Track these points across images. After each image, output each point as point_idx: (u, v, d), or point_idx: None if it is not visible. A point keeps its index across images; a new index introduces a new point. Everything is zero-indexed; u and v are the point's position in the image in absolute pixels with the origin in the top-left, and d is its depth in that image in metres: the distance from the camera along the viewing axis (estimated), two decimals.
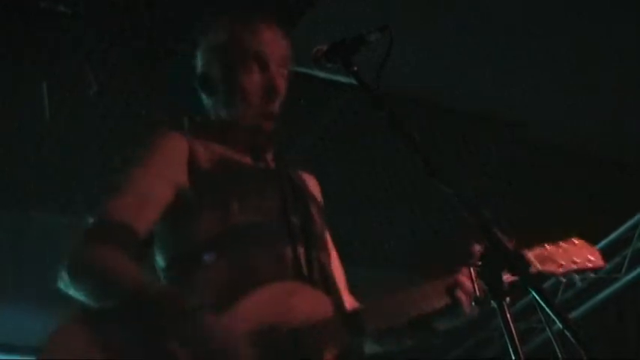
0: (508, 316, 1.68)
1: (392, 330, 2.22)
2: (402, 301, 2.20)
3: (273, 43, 2.39)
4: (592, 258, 2.47)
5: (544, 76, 5.24)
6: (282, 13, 4.27)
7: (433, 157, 1.87)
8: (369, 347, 2.31)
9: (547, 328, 1.70)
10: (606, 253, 6.44)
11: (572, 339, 1.59)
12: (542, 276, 2.42)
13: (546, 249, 2.43)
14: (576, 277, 2.47)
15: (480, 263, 1.75)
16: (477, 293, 1.79)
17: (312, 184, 2.49)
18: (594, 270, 2.47)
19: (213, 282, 2.09)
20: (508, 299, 1.70)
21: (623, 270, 6.37)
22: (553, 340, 1.72)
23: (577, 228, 2.58)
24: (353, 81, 2.07)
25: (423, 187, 5.86)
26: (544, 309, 1.63)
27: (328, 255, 2.32)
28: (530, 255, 2.40)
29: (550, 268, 2.40)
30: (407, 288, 2.22)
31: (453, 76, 5.13)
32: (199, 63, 2.44)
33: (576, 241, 2.49)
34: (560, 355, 1.76)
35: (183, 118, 2.44)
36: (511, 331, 1.66)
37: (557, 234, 2.54)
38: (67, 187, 5.28)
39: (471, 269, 1.77)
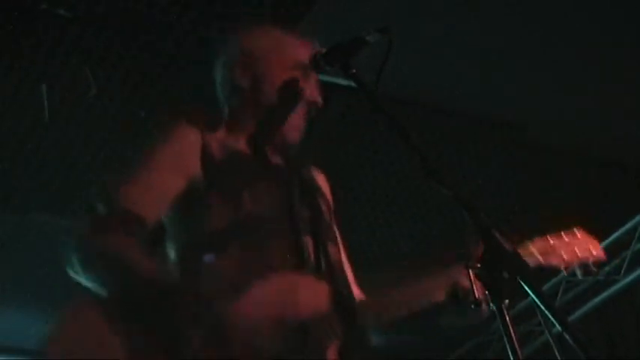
0: (507, 318, 1.68)
1: (397, 322, 2.23)
2: (405, 294, 2.20)
3: (303, 60, 2.38)
4: (593, 250, 2.50)
5: (544, 77, 5.24)
6: (282, 14, 4.28)
7: (432, 159, 1.87)
8: (376, 338, 2.32)
9: (546, 331, 1.69)
10: (605, 255, 6.44)
11: (571, 341, 1.59)
12: (544, 271, 2.43)
13: (548, 241, 2.46)
14: (577, 269, 2.49)
15: (478, 265, 1.75)
16: (476, 295, 1.79)
17: (322, 181, 2.51)
18: (595, 262, 2.49)
19: (224, 271, 2.10)
20: (507, 301, 1.70)
21: (622, 272, 6.37)
22: (552, 342, 1.72)
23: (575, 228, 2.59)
24: (352, 83, 2.08)
25: (421, 189, 5.86)
26: (543, 311, 1.63)
27: (337, 248, 2.33)
28: (533, 248, 2.43)
29: (552, 261, 2.43)
30: (411, 281, 2.22)
31: (452, 78, 5.13)
32: (225, 68, 2.45)
33: (578, 233, 2.51)
34: (559, 358, 1.76)
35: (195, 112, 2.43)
36: (510, 334, 1.66)
37: (555, 233, 2.54)
38: (67, 189, 5.27)
39: (470, 271, 1.77)
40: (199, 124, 2.31)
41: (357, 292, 2.37)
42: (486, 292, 1.72)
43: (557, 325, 1.62)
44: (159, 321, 1.93)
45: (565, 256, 2.44)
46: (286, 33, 2.44)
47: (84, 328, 1.93)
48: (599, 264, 2.51)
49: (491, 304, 1.71)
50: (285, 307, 1.99)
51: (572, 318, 6.51)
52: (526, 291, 1.65)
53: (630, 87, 5.35)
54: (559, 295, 6.65)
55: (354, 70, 2.07)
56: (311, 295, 2.05)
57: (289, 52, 2.38)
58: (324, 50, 2.18)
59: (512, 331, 1.66)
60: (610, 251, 6.28)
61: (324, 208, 2.36)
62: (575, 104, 5.45)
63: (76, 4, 4.19)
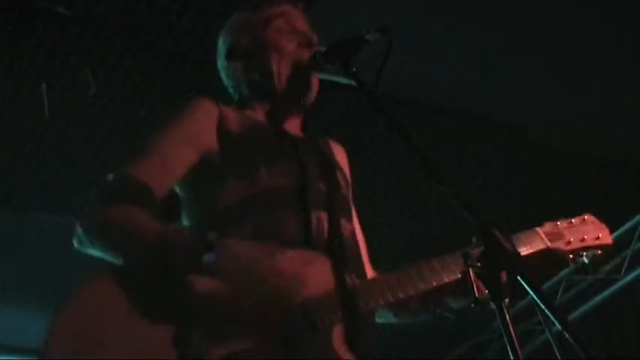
0: (507, 317, 1.67)
1: (405, 303, 2.22)
2: (412, 274, 2.18)
3: (307, 26, 2.43)
4: (600, 235, 2.50)
5: (544, 77, 5.24)
6: None
7: (432, 159, 1.87)
8: (386, 318, 2.33)
9: (546, 330, 1.69)
10: (605, 254, 6.45)
11: (571, 340, 1.59)
12: (551, 256, 2.43)
13: (557, 225, 2.48)
14: (584, 256, 2.49)
15: (478, 264, 1.75)
16: (476, 294, 1.79)
17: (340, 154, 2.51)
18: (601, 247, 2.50)
19: (239, 244, 2.06)
20: (507, 300, 1.70)
21: (623, 271, 6.37)
22: (552, 341, 1.72)
23: None
24: (352, 82, 2.07)
25: (421, 189, 5.86)
26: (543, 310, 1.63)
27: (351, 224, 2.33)
28: (541, 232, 2.44)
29: (558, 245, 2.44)
30: (418, 263, 2.22)
31: (452, 78, 5.13)
32: (228, 39, 2.46)
33: (587, 217, 2.53)
34: (559, 357, 1.76)
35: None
36: (510, 333, 1.66)
37: None
38: (67, 188, 5.27)
39: (470, 270, 1.77)
40: (216, 98, 2.31)
41: (369, 270, 2.37)
42: (486, 290, 1.72)
43: (557, 324, 1.62)
44: (167, 282, 1.93)
45: (572, 241, 2.46)
46: (281, 4, 2.46)
47: (96, 301, 1.93)
48: (606, 250, 2.53)
49: (491, 303, 1.71)
50: (292, 283, 1.98)
51: (572, 317, 6.50)
52: (526, 290, 1.65)
53: (630, 87, 5.35)
54: (559, 294, 6.65)
55: (355, 69, 2.06)
56: (321, 273, 2.05)
57: (288, 18, 2.41)
58: (324, 49, 2.18)
59: (512, 329, 1.66)
60: (610, 250, 6.30)
61: (342, 182, 2.35)
62: (574, 104, 5.46)
63: (76, 3, 4.20)
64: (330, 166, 2.35)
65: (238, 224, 2.11)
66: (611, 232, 2.57)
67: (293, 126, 2.39)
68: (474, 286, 1.80)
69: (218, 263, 1.90)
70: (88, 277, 1.97)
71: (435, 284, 2.17)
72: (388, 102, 1.99)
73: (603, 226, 2.54)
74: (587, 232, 2.49)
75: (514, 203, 6.15)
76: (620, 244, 6.30)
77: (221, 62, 2.48)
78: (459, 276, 2.16)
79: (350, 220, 2.32)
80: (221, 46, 2.49)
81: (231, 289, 1.93)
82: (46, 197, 5.33)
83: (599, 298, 6.56)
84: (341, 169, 2.42)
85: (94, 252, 2.06)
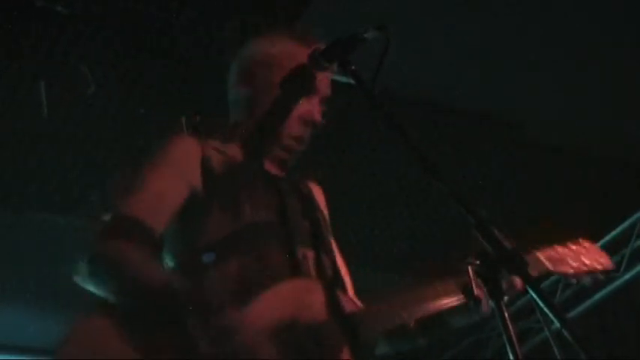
0: (506, 315, 1.67)
1: (402, 329, 2.22)
2: (410, 299, 2.19)
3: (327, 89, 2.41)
4: (601, 260, 2.51)
5: (543, 75, 5.24)
6: (280, 12, 4.27)
7: (431, 157, 1.87)
8: (380, 348, 2.31)
9: (545, 328, 1.69)
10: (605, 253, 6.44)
11: (570, 339, 1.59)
12: (546, 276, 2.43)
13: (556, 250, 2.46)
14: (587, 278, 2.48)
15: (477, 262, 1.75)
16: (475, 292, 1.78)
17: (318, 194, 2.51)
18: (604, 272, 2.50)
19: (224, 281, 2.09)
20: (506, 298, 1.70)
21: (622, 269, 6.37)
22: (551, 339, 1.72)
23: (575, 227, 2.59)
24: (351, 80, 2.07)
25: (421, 187, 5.86)
26: (542, 309, 1.63)
27: (336, 261, 2.33)
28: (541, 256, 2.42)
29: (562, 269, 2.43)
30: (413, 287, 2.22)
31: (451, 76, 5.13)
32: (231, 76, 2.45)
33: (584, 244, 2.52)
34: (558, 355, 1.76)
35: (191, 120, 2.44)
36: (509, 331, 1.66)
37: (556, 233, 2.54)
38: (65, 187, 5.27)
39: (469, 268, 1.77)
40: (198, 134, 2.32)
41: (358, 304, 2.37)
42: (485, 289, 1.72)
43: (556, 322, 1.62)
44: (166, 327, 1.92)
45: (574, 265, 2.45)
46: (298, 40, 2.40)
47: (92, 338, 1.93)
48: (608, 273, 2.53)
49: (490, 301, 1.71)
50: (297, 311, 1.99)
51: (571, 315, 6.51)
52: (525, 288, 1.65)
53: (629, 86, 5.35)
54: (558, 292, 6.65)
55: (353, 67, 2.06)
56: (324, 299, 2.06)
57: (299, 60, 2.34)
58: (322, 47, 2.18)
59: (510, 328, 1.66)
60: (609, 248, 6.30)
61: (322, 222, 2.36)
62: (574, 103, 5.46)
63: (74, 2, 4.19)
64: (310, 204, 2.36)
65: (223, 260, 2.12)
66: (610, 230, 2.58)
67: (273, 167, 2.39)
68: (473, 284, 1.79)
69: (213, 293, 1.95)
70: (87, 311, 1.98)
71: (436, 307, 2.18)
72: (387, 100, 1.99)
73: (602, 251, 2.54)
74: (588, 257, 2.49)
75: (514, 202, 6.15)
76: (619, 243, 6.30)
77: (230, 74, 2.47)
78: (462, 298, 2.14)
79: (334, 257, 2.33)
80: (232, 79, 2.46)
81: (243, 317, 1.93)
82: (44, 196, 5.32)
83: (598, 296, 6.56)
84: (320, 209, 2.42)
85: (94, 289, 2.05)
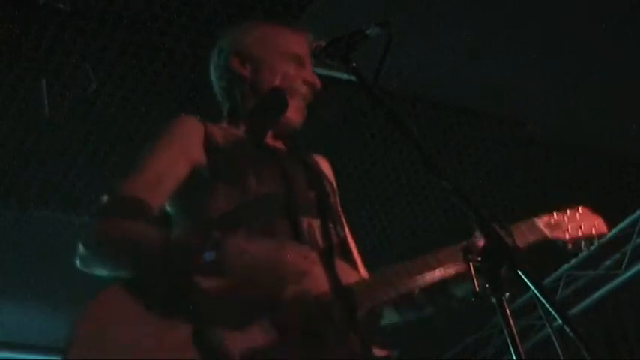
0: (507, 312, 1.67)
1: (409, 297, 2.23)
2: (414, 268, 2.20)
3: (304, 45, 2.45)
4: (596, 225, 2.61)
5: (543, 72, 5.23)
6: (281, 9, 4.27)
7: (432, 153, 1.87)
8: (389, 317, 2.33)
9: (547, 325, 1.69)
10: (606, 250, 6.46)
11: (572, 335, 1.59)
12: (548, 247, 2.48)
13: (553, 217, 2.57)
14: (582, 243, 2.58)
15: (478, 259, 1.75)
16: (476, 288, 1.78)
17: (324, 165, 2.55)
18: (598, 236, 2.60)
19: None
20: (507, 295, 1.70)
21: (623, 266, 6.37)
22: (553, 336, 1.72)
23: None
24: (352, 77, 2.07)
25: (422, 184, 5.86)
26: (544, 305, 1.63)
27: (344, 230, 2.35)
28: (539, 222, 2.53)
29: (558, 234, 2.53)
30: (420, 256, 2.23)
31: (453, 74, 5.12)
32: (224, 60, 2.48)
33: (581, 210, 2.63)
34: (559, 352, 1.75)
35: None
36: (510, 328, 1.65)
37: None
38: (66, 184, 5.27)
39: (470, 265, 1.77)
40: (200, 116, 2.34)
41: (364, 273, 2.38)
42: (486, 285, 1.72)
43: (557, 319, 1.62)
44: (176, 289, 1.94)
45: (570, 230, 2.54)
46: (277, 24, 2.52)
47: (106, 312, 1.94)
48: (600, 240, 2.61)
49: (491, 298, 1.71)
50: (299, 280, 1.99)
51: (572, 312, 6.51)
52: (526, 285, 1.65)
53: (629, 82, 5.35)
54: (560, 289, 6.65)
55: (354, 64, 2.06)
56: (322, 272, 2.07)
57: (282, 42, 2.45)
58: (323, 44, 2.18)
59: (512, 324, 1.66)
60: (610, 246, 6.31)
61: (329, 191, 2.38)
62: (574, 101, 5.45)
63: None
64: (316, 175, 2.39)
65: (232, 232, 2.11)
66: (611, 227, 2.63)
67: (277, 142, 2.44)
68: (475, 281, 1.79)
69: (224, 260, 1.92)
70: (102, 289, 1.99)
71: (439, 275, 2.18)
72: (388, 97, 1.99)
73: (597, 216, 2.64)
74: (583, 222, 2.59)
75: (514, 198, 6.15)
76: (620, 240, 6.30)
77: (218, 64, 2.50)
78: (464, 265, 2.16)
79: (342, 226, 2.35)
80: (225, 48, 2.51)
81: (242, 284, 1.94)
82: (45, 193, 5.33)
83: (599, 293, 6.56)
84: (327, 179, 2.45)
85: (98, 271, 2.08)
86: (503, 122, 5.65)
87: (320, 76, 2.42)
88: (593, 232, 2.59)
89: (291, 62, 2.42)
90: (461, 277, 2.21)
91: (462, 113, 5.51)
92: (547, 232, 2.51)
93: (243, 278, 1.93)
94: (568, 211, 2.61)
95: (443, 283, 2.24)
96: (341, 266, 2.15)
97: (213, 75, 2.53)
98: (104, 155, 5.12)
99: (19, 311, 6.24)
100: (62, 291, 5.60)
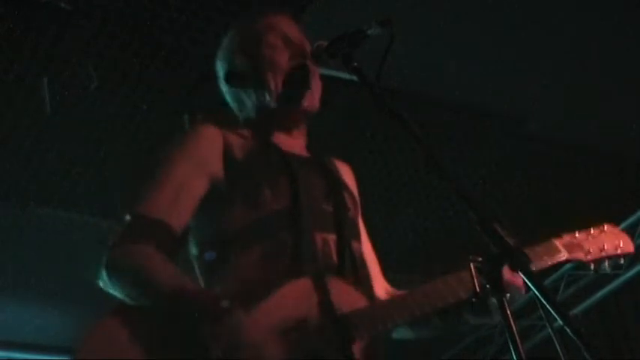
0: (508, 312, 1.67)
1: (423, 319, 2.22)
2: (427, 292, 2.17)
3: (298, 36, 2.44)
4: (621, 244, 2.48)
5: (544, 70, 5.23)
6: (282, 8, 4.26)
7: (435, 152, 1.86)
8: (403, 333, 2.33)
9: (548, 325, 1.69)
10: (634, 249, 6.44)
11: (573, 336, 1.59)
12: (562, 264, 2.41)
13: (575, 237, 2.45)
14: (606, 264, 2.47)
15: (480, 259, 1.74)
16: (477, 290, 1.78)
17: (346, 172, 2.52)
18: (623, 256, 2.47)
19: (245, 270, 2.11)
20: (508, 295, 1.69)
21: (624, 266, 6.36)
22: (554, 337, 1.71)
23: (578, 224, 2.58)
24: (354, 77, 2.07)
25: (424, 183, 5.85)
26: (545, 306, 1.62)
27: (360, 243, 2.33)
28: (558, 243, 2.41)
29: (578, 255, 2.42)
30: (433, 280, 2.20)
31: (452, 73, 5.11)
32: (225, 64, 2.47)
33: (606, 228, 2.50)
34: (560, 352, 1.75)
35: (194, 117, 2.46)
36: (511, 328, 1.65)
37: (558, 230, 2.54)
38: (67, 182, 5.27)
39: (471, 265, 1.76)
40: (219, 123, 2.32)
41: (383, 288, 2.38)
42: (488, 285, 1.72)
43: (558, 320, 1.61)
44: (180, 331, 1.94)
45: (592, 251, 2.44)
46: (253, 21, 2.50)
47: (107, 339, 1.94)
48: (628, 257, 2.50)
49: (492, 298, 1.70)
50: (305, 309, 1.99)
51: (573, 312, 6.51)
52: (528, 285, 1.65)
53: (631, 80, 5.34)
54: (561, 289, 6.65)
55: (356, 63, 2.06)
56: (334, 296, 2.04)
57: (264, 37, 2.42)
58: (325, 43, 2.18)
59: (513, 325, 1.66)
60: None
61: (348, 202, 2.35)
62: (576, 99, 5.45)
63: None
64: (335, 186, 2.35)
65: (247, 249, 2.13)
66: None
67: (297, 146, 2.41)
68: (476, 281, 1.79)
69: (231, 287, 1.98)
70: (107, 310, 2.00)
71: (451, 301, 2.16)
72: (390, 96, 1.98)
73: (623, 234, 2.51)
74: (607, 241, 2.46)
75: (515, 198, 6.14)
76: None
77: (222, 87, 2.50)
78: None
79: (358, 238, 2.33)
80: (219, 71, 2.50)
81: (252, 315, 1.94)
82: (46, 191, 5.33)
83: (600, 293, 6.56)
84: (347, 189, 2.42)
85: (116, 293, 2.07)
86: (503, 121, 5.65)
87: (321, 75, 2.41)
88: (618, 252, 2.46)
89: (281, 49, 2.39)
90: (474, 305, 2.20)
91: (462, 112, 5.51)
92: (566, 252, 2.39)
93: (252, 311, 1.95)
94: (592, 230, 2.48)
95: (454, 309, 2.21)
96: (348, 290, 2.11)
97: (227, 100, 2.51)
98: (105, 154, 5.12)
99: (17, 310, 6.24)
100: (62, 290, 5.61)
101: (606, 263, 2.46)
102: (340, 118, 5.21)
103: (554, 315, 1.62)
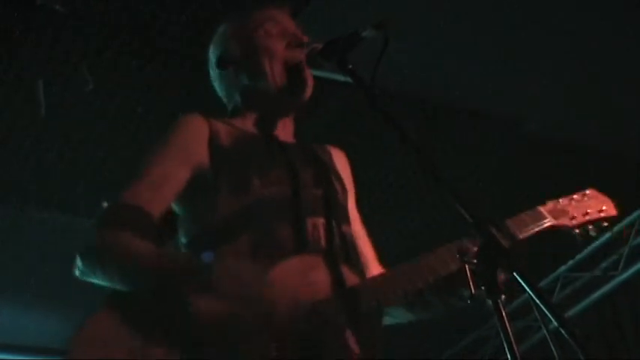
0: (504, 314, 1.67)
1: (418, 296, 2.20)
2: (419, 267, 2.16)
3: (295, 28, 2.44)
4: (604, 207, 2.50)
5: (542, 71, 5.23)
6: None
7: (429, 154, 1.87)
8: (399, 316, 2.31)
9: (543, 327, 1.69)
10: (603, 251, 6.45)
11: (568, 338, 1.59)
12: (555, 235, 2.41)
13: (559, 202, 2.49)
14: (590, 228, 2.47)
15: (475, 261, 1.75)
16: (472, 291, 1.78)
17: (339, 159, 2.51)
18: (607, 219, 2.48)
19: (235, 257, 2.09)
20: (503, 297, 1.70)
21: (620, 268, 6.37)
22: (549, 338, 1.72)
23: None
24: (349, 79, 2.07)
25: (419, 186, 5.85)
26: (540, 307, 1.63)
27: (350, 227, 2.32)
28: (544, 210, 2.44)
29: (563, 222, 2.43)
30: (424, 254, 2.20)
31: (451, 73, 5.12)
32: (218, 49, 2.48)
33: (589, 192, 2.53)
34: (556, 354, 1.76)
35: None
36: (507, 330, 1.65)
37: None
38: (65, 184, 5.27)
39: (467, 267, 1.76)
40: (205, 113, 2.32)
41: (378, 270, 2.36)
42: (482, 287, 1.72)
43: (554, 321, 1.61)
44: (171, 306, 1.94)
45: (576, 215, 2.45)
46: (269, 8, 2.48)
47: (102, 333, 1.93)
48: (611, 223, 2.51)
49: (487, 300, 1.70)
50: (300, 289, 1.98)
51: (569, 314, 6.51)
52: (523, 287, 1.65)
53: (629, 81, 5.35)
54: (556, 291, 6.66)
55: (351, 66, 2.06)
56: (326, 276, 2.04)
57: (276, 21, 2.42)
58: (320, 46, 2.18)
59: (508, 327, 1.66)
60: (608, 247, 6.30)
61: (338, 187, 2.35)
62: (574, 100, 5.45)
63: (74, 0, 4.19)
64: (325, 171, 2.34)
65: (234, 238, 2.12)
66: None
67: (286, 133, 2.40)
68: (471, 282, 1.79)
69: (218, 282, 1.92)
70: (97, 308, 1.98)
71: (443, 274, 2.14)
72: (384, 97, 1.99)
73: (606, 198, 2.53)
74: (590, 206, 2.48)
75: (513, 199, 6.14)
76: (617, 241, 6.29)
77: (213, 73, 2.50)
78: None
79: (348, 224, 2.32)
80: (211, 57, 2.50)
81: (235, 305, 1.92)
82: (44, 193, 5.32)
83: (596, 295, 6.56)
84: (337, 174, 2.41)
85: (96, 280, 2.07)
86: (502, 122, 5.65)
87: (317, 78, 2.41)
88: (602, 215, 2.47)
89: (278, 37, 2.39)
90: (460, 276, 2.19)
91: (462, 112, 5.51)
92: (552, 219, 2.40)
93: (232, 302, 1.92)
94: (575, 195, 2.50)
95: (447, 282, 2.18)
96: (343, 268, 2.10)
97: (216, 88, 2.52)
98: (102, 156, 5.11)
99: (16, 312, 6.23)
100: (60, 293, 5.60)
101: (590, 228, 2.47)
102: (334, 121, 5.21)
103: (550, 317, 1.62)
